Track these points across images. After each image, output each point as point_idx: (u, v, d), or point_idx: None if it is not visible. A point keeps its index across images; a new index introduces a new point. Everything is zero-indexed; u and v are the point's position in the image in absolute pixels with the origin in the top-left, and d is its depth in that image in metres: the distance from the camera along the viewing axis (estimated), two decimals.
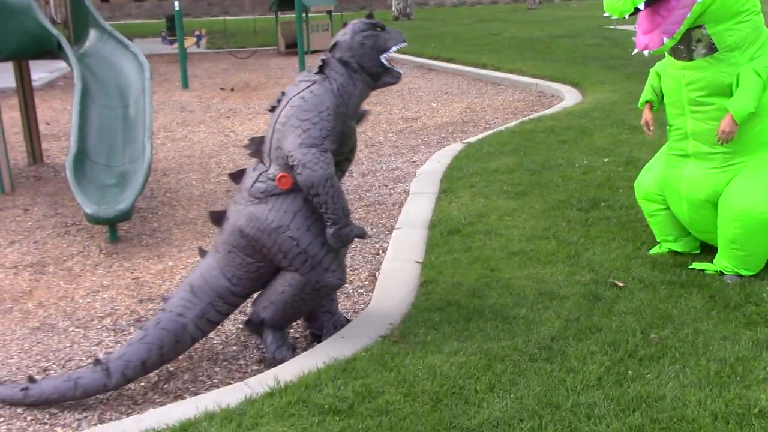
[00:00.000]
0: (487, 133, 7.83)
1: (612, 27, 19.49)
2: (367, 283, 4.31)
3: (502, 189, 5.63)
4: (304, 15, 15.84)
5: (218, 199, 6.08)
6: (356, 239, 3.32)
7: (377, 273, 4.37)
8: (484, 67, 13.50)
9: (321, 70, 3.26)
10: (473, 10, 39.43)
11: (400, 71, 3.38)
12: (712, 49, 3.54)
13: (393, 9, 31.04)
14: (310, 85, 3.22)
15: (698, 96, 3.65)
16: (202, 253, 3.45)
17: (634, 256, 4.15)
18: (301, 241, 3.18)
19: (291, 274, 3.26)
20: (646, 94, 4.03)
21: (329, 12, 19.40)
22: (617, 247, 4.32)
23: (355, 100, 3.29)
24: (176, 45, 12.96)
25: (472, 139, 7.54)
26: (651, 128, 4.03)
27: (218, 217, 3.39)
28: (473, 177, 6.03)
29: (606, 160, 6.23)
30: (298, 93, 3.22)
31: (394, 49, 3.28)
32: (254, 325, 3.48)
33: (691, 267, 3.94)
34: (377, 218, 5.45)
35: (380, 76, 3.33)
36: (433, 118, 9.35)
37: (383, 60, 3.28)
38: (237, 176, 3.38)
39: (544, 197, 5.34)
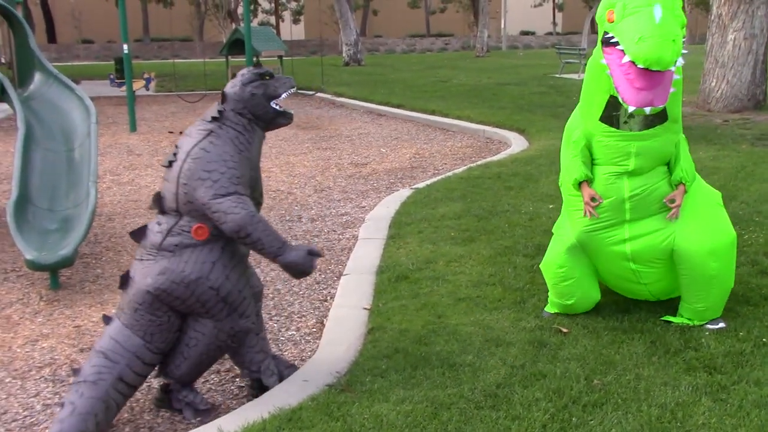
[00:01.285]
0: (435, 179, 7.93)
1: (556, 76, 20.03)
2: (314, 330, 4.28)
3: (449, 235, 5.68)
4: (254, 59, 15.91)
5: None
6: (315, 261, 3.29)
7: (325, 320, 4.35)
8: (433, 113, 13.73)
9: (215, 119, 3.27)
10: (423, 56, 40.13)
11: (292, 112, 3.46)
12: (664, 118, 3.62)
13: (344, 55, 31.42)
14: (207, 135, 3.21)
15: (644, 163, 3.67)
16: (107, 319, 3.33)
17: None
18: (221, 290, 3.21)
19: (200, 325, 3.27)
20: (582, 169, 3.76)
21: (280, 57, 19.55)
22: None
23: (255, 146, 3.33)
24: (125, 87, 12.85)
25: (421, 185, 7.62)
26: (597, 202, 3.76)
27: (124, 280, 3.30)
28: (421, 223, 6.08)
29: (551, 206, 6.35)
30: (197, 144, 3.19)
31: (284, 95, 3.36)
32: (163, 397, 3.44)
33: (664, 319, 3.94)
34: (326, 264, 5.44)
35: (275, 119, 3.38)
36: (382, 163, 9.43)
37: (275, 106, 3.34)
38: (138, 234, 3.30)
39: (491, 243, 5.41)
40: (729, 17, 11.87)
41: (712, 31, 12.19)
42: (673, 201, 3.69)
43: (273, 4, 55.56)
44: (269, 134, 11.91)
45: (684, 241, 3.70)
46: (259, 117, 3.33)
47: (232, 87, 3.33)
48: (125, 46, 12.61)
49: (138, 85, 15.55)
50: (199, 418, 3.35)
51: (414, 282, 4.71)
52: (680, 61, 3.35)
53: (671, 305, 4.06)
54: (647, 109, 3.38)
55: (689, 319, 3.87)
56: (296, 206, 7.21)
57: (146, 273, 3.19)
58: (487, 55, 36.37)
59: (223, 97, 3.31)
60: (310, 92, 18.28)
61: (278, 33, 50.23)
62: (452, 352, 3.65)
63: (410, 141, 11.27)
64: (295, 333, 4.24)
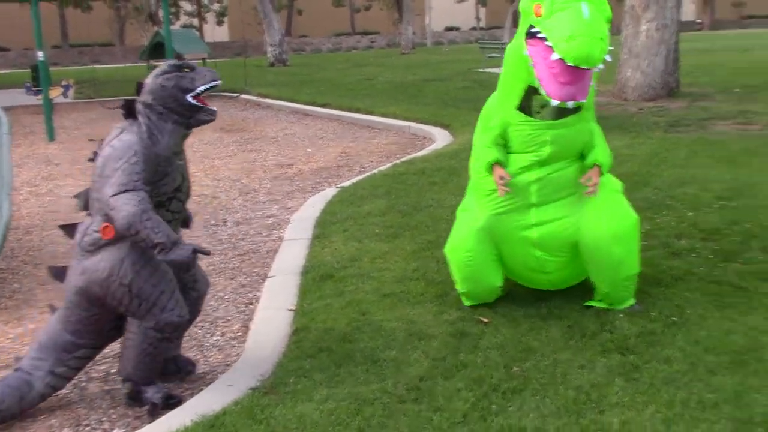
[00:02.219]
0: (361, 177, 7.96)
1: (480, 70, 20.32)
2: (239, 334, 4.26)
3: (374, 232, 5.72)
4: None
5: None
6: (201, 256, 3.36)
7: (250, 323, 4.33)
8: (358, 111, 13.77)
9: (128, 115, 3.28)
10: (349, 55, 40.14)
11: (214, 108, 3.39)
12: (578, 107, 3.71)
13: (268, 55, 31.17)
14: (119, 133, 3.26)
15: (558, 152, 3.76)
16: (53, 309, 3.50)
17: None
18: (132, 287, 3.23)
19: (130, 324, 3.33)
20: (495, 152, 3.81)
21: (203, 60, 19.28)
22: None
23: (167, 140, 3.28)
24: (42, 96, 12.49)
25: (346, 183, 7.65)
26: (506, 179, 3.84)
27: (58, 273, 3.44)
28: (346, 221, 6.11)
29: None
30: (109, 142, 3.25)
31: (202, 88, 3.28)
32: (130, 392, 3.44)
33: (586, 304, 4.02)
34: (251, 267, 5.41)
35: (193, 115, 3.33)
36: (308, 163, 9.42)
37: (190, 99, 3.28)
38: (69, 229, 3.41)
39: (414, 238, 5.47)
40: (642, 8, 12.25)
41: (626, 23, 12.56)
42: (589, 180, 3.78)
43: (195, 6, 54.73)
44: (192, 138, 11.74)
45: (588, 228, 3.81)
46: (173, 110, 3.28)
47: (146, 78, 3.34)
48: (40, 53, 12.26)
49: (55, 93, 15.12)
50: (157, 414, 3.34)
51: (339, 280, 4.73)
52: (608, 57, 3.39)
53: (588, 289, 4.18)
54: (570, 103, 3.46)
55: (609, 304, 3.99)
56: (221, 210, 7.14)
57: (72, 272, 3.31)
58: (412, 51, 36.62)
59: (138, 89, 3.32)
60: (234, 94, 18.09)
61: (201, 35, 49.51)
62: (376, 348, 3.69)
63: (336, 140, 11.29)
64: (219, 338, 4.21)
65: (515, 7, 33.15)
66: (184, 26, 48.91)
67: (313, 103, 15.43)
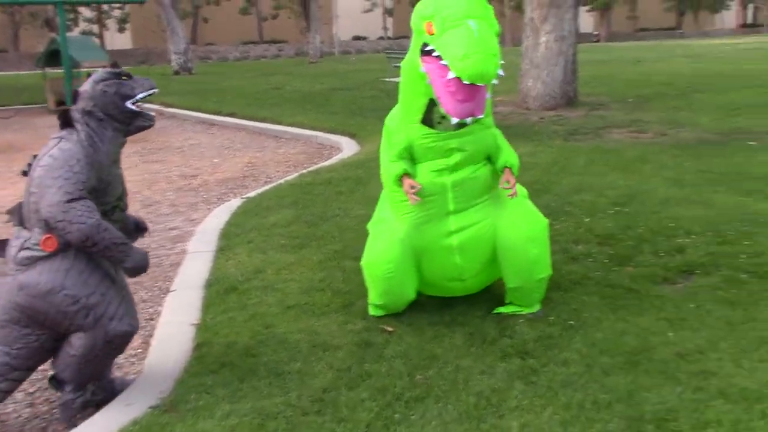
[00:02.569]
0: (267, 187, 7.89)
1: (387, 80, 20.50)
2: (140, 350, 4.14)
3: (279, 243, 5.67)
4: (75, 70, 15.14)
5: None
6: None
7: (151, 339, 4.21)
8: (265, 120, 13.67)
9: (66, 124, 3.20)
10: (256, 64, 39.77)
11: (153, 114, 3.39)
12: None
13: (173, 63, 30.56)
14: (58, 143, 3.17)
15: (466, 157, 3.82)
16: None
17: None
18: (79, 297, 3.11)
19: (76, 337, 3.19)
20: (402, 165, 3.84)
21: (103, 67, 18.72)
22: None
23: (107, 147, 3.24)
24: None
25: (252, 194, 7.56)
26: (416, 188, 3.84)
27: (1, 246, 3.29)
28: (251, 232, 6.03)
29: None
30: (47, 152, 3.15)
31: (141, 95, 3.28)
32: (57, 382, 3.40)
33: (496, 312, 4.10)
34: (152, 281, 5.27)
35: (132, 121, 3.31)
36: (214, 174, 9.27)
37: (130, 106, 3.26)
38: (0, 247, 3.26)
39: (320, 249, 5.46)
40: (541, 20, 12.63)
41: (526, 34, 12.93)
42: (507, 183, 3.85)
43: (95, 13, 53.09)
44: None
45: (505, 230, 3.91)
46: (113, 117, 3.24)
47: (84, 85, 3.24)
48: None
49: None
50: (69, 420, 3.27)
51: (243, 293, 4.66)
52: (500, 72, 3.46)
53: (491, 296, 4.27)
54: (469, 120, 3.53)
55: (519, 308, 4.08)
56: None
57: (8, 290, 3.15)
58: (320, 61, 36.65)
59: (75, 96, 3.23)
60: None
61: (102, 42, 48.00)
62: (280, 360, 3.65)
63: (243, 150, 11.15)
64: (119, 356, 4.07)
65: None
66: (83, 33, 47.35)
67: (219, 113, 15.21)
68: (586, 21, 70.73)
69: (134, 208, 7.51)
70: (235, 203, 7.23)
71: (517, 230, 3.90)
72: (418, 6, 3.68)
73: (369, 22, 68.74)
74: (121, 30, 57.58)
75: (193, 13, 58.42)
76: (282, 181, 8.16)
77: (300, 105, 15.50)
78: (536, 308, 4.08)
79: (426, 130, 3.79)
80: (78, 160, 3.09)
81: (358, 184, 7.58)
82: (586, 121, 11.16)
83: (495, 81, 3.46)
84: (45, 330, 3.19)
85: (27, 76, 24.71)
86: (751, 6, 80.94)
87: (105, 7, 53.36)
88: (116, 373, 3.87)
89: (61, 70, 15.57)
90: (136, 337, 4.30)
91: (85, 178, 3.08)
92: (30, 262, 3.12)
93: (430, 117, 3.77)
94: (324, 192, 7.30)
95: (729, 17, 79.59)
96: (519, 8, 48.54)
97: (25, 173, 3.21)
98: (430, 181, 3.86)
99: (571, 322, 3.92)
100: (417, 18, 3.65)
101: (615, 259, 4.85)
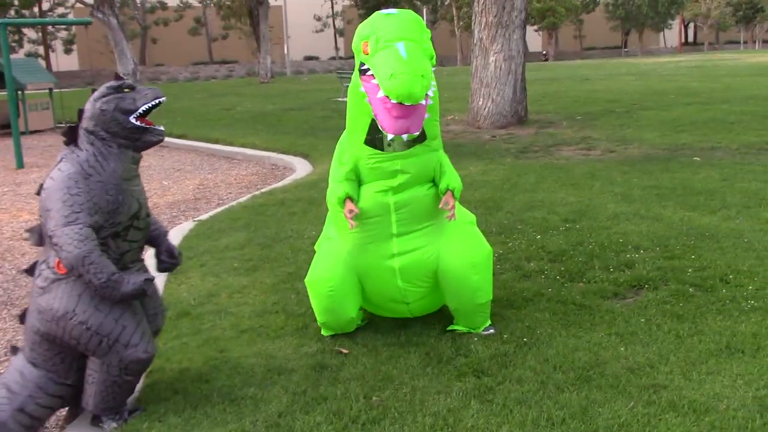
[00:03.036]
0: (219, 210, 7.82)
1: (339, 99, 20.55)
2: None
3: (232, 266, 5.61)
4: (19, 93, 14.84)
5: None
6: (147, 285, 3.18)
7: None
8: (217, 142, 13.57)
9: (69, 142, 3.14)
10: (207, 84, 39.51)
11: (161, 128, 3.26)
12: (423, 138, 3.81)
13: None
14: (59, 163, 3.12)
15: (409, 179, 3.84)
16: (14, 350, 3.33)
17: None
18: (91, 324, 3.05)
19: (92, 362, 3.17)
20: (346, 187, 3.84)
21: (50, 89, 18.40)
22: None
23: (114, 165, 3.12)
24: None
25: (204, 217, 7.48)
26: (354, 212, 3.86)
27: (23, 314, 3.29)
28: (204, 256, 5.96)
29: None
30: (50, 174, 3.12)
31: (144, 108, 3.14)
32: (94, 418, 3.34)
33: (449, 329, 4.12)
34: None
35: (140, 137, 3.17)
36: (164, 196, 9.15)
37: (134, 122, 3.13)
38: (31, 271, 3.26)
39: (274, 271, 5.41)
40: (489, 41, 12.82)
41: (476, 54, 13.10)
42: (447, 205, 3.88)
43: (40, 34, 52.19)
44: (36, 172, 11.17)
45: (448, 257, 3.92)
46: (117, 134, 3.11)
47: (87, 103, 3.15)
48: None
49: None
50: None
51: (196, 318, 4.60)
52: (431, 92, 3.54)
53: (445, 315, 4.28)
54: (404, 136, 3.56)
55: (468, 328, 4.10)
56: None
57: (30, 312, 3.16)
58: (271, 81, 36.55)
59: (79, 116, 3.15)
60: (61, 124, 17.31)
61: (48, 64, 47.21)
62: (234, 386, 3.60)
63: (194, 172, 11.04)
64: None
65: None
66: (28, 55, 46.50)
67: (169, 134, 15.02)
68: (535, 40, 72.06)
69: None
70: (186, 226, 7.14)
71: (460, 257, 3.94)
72: (358, 27, 3.77)
73: (321, 42, 68.95)
74: (68, 51, 56.67)
75: (142, 34, 57.85)
76: (234, 203, 8.10)
77: (252, 125, 15.43)
78: (485, 326, 4.11)
79: (371, 150, 3.81)
80: (76, 181, 3.02)
81: (312, 204, 7.56)
82: (537, 139, 11.33)
83: (425, 101, 3.51)
84: (66, 348, 3.18)
85: None
86: (691, 25, 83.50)
87: (50, 28, 52.51)
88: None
89: (5, 93, 15.26)
90: None
91: (83, 200, 3.00)
92: (47, 284, 3.09)
93: (380, 138, 3.78)
94: (277, 213, 7.27)
95: (671, 36, 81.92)
96: (469, 28, 49.22)
97: (38, 193, 3.16)
98: (373, 201, 3.88)
99: (525, 339, 3.95)
100: (356, 38, 3.75)
101: (566, 276, 4.91)
